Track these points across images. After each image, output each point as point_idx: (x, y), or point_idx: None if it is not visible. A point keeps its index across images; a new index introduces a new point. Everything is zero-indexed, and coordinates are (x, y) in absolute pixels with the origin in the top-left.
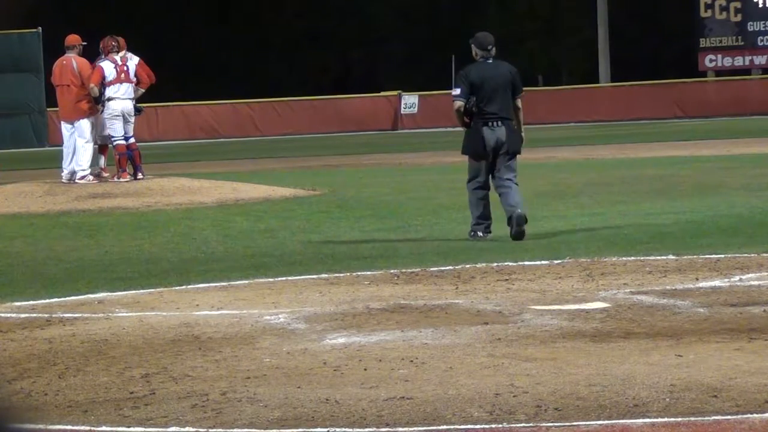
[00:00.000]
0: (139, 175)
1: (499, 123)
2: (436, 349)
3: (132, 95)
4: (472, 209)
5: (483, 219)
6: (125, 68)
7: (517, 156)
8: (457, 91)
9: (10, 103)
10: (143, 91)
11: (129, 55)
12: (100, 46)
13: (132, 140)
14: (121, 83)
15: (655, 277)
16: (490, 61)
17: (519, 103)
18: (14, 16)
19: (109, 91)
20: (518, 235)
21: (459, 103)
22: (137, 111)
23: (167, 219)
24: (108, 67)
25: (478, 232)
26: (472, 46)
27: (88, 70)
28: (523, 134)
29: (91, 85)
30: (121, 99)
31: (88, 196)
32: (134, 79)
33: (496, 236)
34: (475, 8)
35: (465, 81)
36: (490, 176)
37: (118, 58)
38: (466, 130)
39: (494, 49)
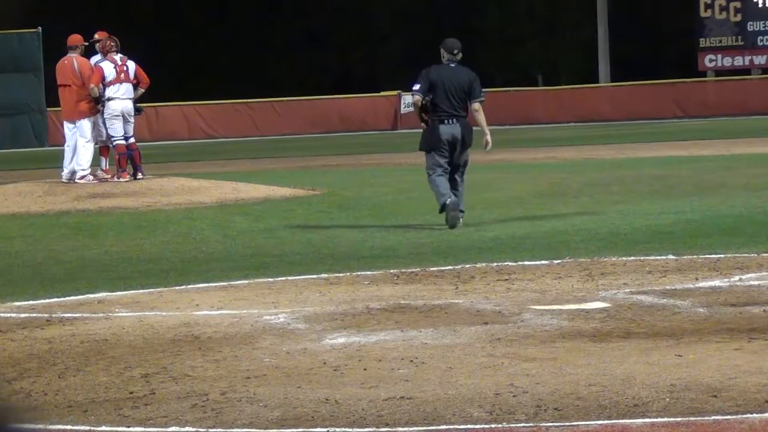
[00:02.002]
0: (139, 175)
1: (454, 120)
2: (436, 349)
3: (132, 95)
4: (435, 188)
5: (446, 191)
6: (125, 68)
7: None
8: (416, 87)
9: (10, 103)
10: (143, 91)
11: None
12: (98, 46)
13: (132, 140)
14: (121, 83)
15: (655, 277)
16: (453, 65)
17: (476, 106)
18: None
19: (109, 91)
20: (454, 220)
21: (417, 97)
22: (137, 111)
23: (167, 219)
24: (108, 68)
25: (446, 201)
26: (441, 49)
27: (88, 70)
28: (488, 137)
29: (92, 85)
30: (120, 99)
31: (88, 196)
32: (134, 80)
33: (496, 236)
34: (475, 8)
35: (425, 79)
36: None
37: (117, 58)
38: (424, 128)
39: (460, 54)
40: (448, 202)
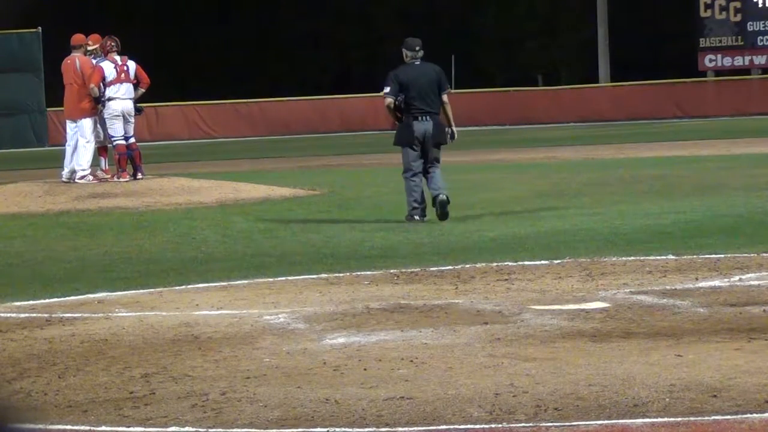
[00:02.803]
0: (139, 175)
1: (427, 117)
2: (436, 349)
3: (132, 95)
4: (408, 196)
5: (418, 204)
6: (125, 68)
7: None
8: (386, 89)
9: (10, 103)
10: (143, 91)
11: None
12: (99, 46)
13: (132, 140)
14: (121, 83)
15: (655, 277)
16: (418, 62)
17: (445, 98)
18: (14, 16)
19: (110, 91)
20: (443, 216)
21: (389, 100)
22: (137, 111)
23: (167, 219)
24: (108, 68)
25: (415, 216)
26: (403, 49)
27: (89, 70)
28: (454, 128)
29: (92, 85)
30: (121, 99)
31: (88, 196)
32: (134, 79)
33: (496, 236)
34: (475, 8)
35: (395, 80)
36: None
37: (118, 58)
38: (398, 125)
39: (422, 51)
40: (438, 199)
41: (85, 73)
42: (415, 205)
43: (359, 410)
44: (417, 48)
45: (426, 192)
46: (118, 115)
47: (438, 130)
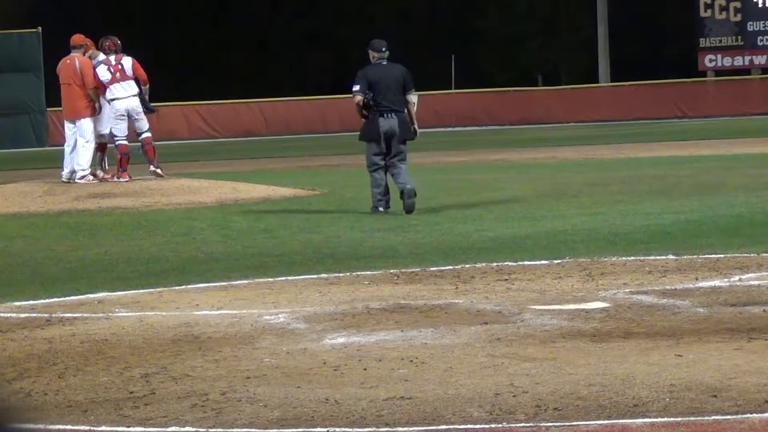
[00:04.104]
0: (151, 168)
1: (392, 114)
2: (436, 349)
3: (135, 92)
4: (373, 189)
5: (383, 195)
6: (120, 66)
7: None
8: (356, 88)
9: (10, 103)
10: (146, 88)
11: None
12: (101, 45)
13: (145, 135)
14: (118, 82)
15: (655, 277)
16: (385, 62)
17: (410, 97)
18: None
19: (109, 93)
20: (410, 207)
21: (359, 98)
22: (150, 110)
23: (167, 219)
24: (101, 71)
25: (380, 208)
26: (369, 51)
27: (89, 71)
28: (416, 126)
29: (92, 87)
30: (122, 98)
31: (88, 196)
32: (131, 75)
33: (496, 236)
34: (475, 8)
35: (364, 79)
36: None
37: (112, 58)
38: (365, 121)
39: (387, 52)
40: (405, 190)
41: (84, 74)
42: (380, 197)
43: (359, 410)
44: (383, 49)
45: (392, 186)
46: (123, 115)
47: (404, 126)
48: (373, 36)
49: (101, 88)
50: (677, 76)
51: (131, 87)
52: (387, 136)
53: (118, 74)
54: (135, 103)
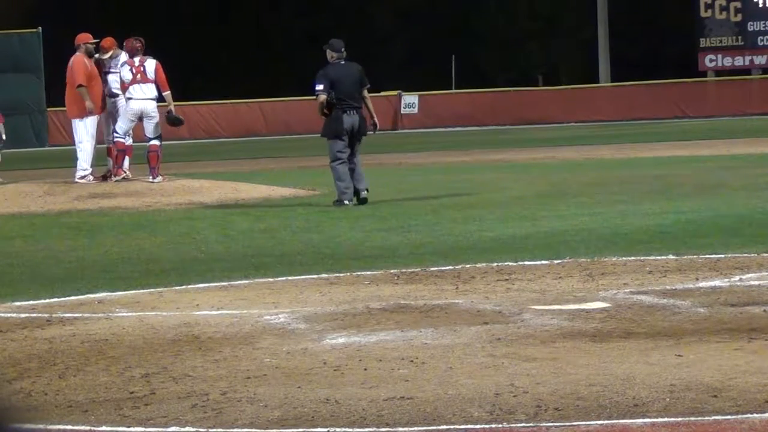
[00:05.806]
0: (150, 178)
1: (354, 111)
2: (436, 349)
3: (153, 95)
4: (338, 182)
5: (347, 188)
6: (142, 69)
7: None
8: (320, 87)
9: (10, 103)
10: (168, 93)
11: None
12: (125, 46)
13: (154, 142)
14: (138, 84)
15: (655, 277)
16: (343, 62)
17: (366, 93)
18: (14, 16)
19: (129, 93)
20: (363, 200)
21: (323, 97)
22: (173, 122)
23: (167, 219)
24: (124, 71)
25: (345, 200)
26: (327, 50)
27: (77, 68)
28: (376, 118)
29: (80, 86)
30: (138, 99)
31: (88, 196)
32: (152, 78)
33: (496, 236)
34: (475, 8)
35: (326, 78)
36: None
37: (136, 60)
38: (326, 119)
39: (345, 52)
40: (362, 195)
41: (74, 72)
42: (345, 190)
43: (359, 410)
44: (342, 49)
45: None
46: (136, 115)
47: (364, 123)
48: (374, 36)
49: (122, 88)
50: (677, 76)
51: (150, 90)
52: (350, 131)
53: (138, 76)
54: (150, 106)
